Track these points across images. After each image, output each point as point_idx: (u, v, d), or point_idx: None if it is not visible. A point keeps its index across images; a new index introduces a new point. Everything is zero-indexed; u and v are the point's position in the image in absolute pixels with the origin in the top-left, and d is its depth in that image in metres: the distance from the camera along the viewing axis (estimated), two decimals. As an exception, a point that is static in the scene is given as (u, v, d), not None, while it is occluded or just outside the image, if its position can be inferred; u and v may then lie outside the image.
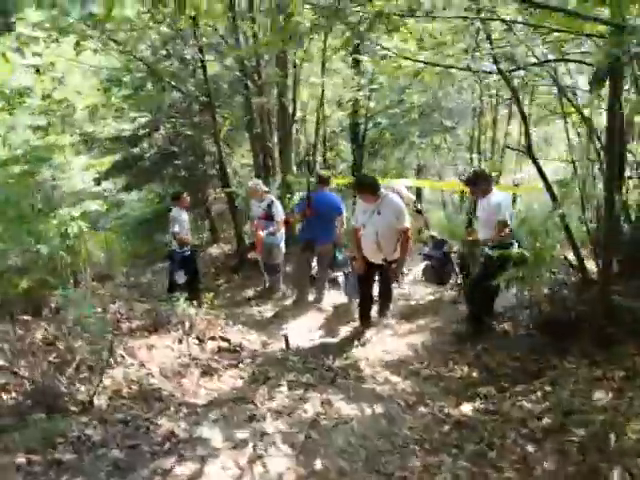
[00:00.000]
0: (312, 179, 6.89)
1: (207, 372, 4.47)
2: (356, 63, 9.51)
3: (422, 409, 3.70)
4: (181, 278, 6.64)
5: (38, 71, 5.62)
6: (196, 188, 9.11)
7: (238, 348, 5.04)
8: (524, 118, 4.54)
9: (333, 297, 6.61)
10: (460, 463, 2.94)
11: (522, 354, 4.37)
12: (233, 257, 8.74)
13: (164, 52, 8.86)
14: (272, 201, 6.89)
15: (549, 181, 4.48)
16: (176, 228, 6.76)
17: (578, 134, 4.74)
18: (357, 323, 5.63)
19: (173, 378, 4.31)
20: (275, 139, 8.70)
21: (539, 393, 3.63)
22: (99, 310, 4.04)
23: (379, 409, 3.65)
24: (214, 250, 9.28)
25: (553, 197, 4.38)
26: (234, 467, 2.79)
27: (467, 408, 3.65)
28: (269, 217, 6.84)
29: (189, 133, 8.67)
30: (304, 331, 5.49)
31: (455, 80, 11.14)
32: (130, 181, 9.71)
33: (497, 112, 12.00)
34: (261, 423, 3.29)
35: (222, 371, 4.47)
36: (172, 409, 3.52)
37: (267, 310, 6.51)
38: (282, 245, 7.01)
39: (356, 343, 5.14)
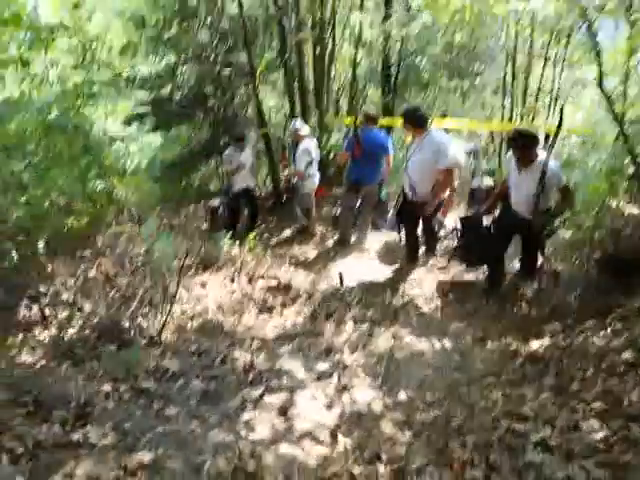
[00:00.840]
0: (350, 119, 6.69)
1: (264, 309, 4.48)
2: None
3: (490, 345, 3.68)
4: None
5: (76, 6, 5.37)
6: (228, 130, 8.88)
7: (288, 287, 5.02)
8: (597, 52, 4.26)
9: (376, 237, 6.51)
10: (543, 395, 2.92)
11: (583, 292, 4.32)
12: (268, 199, 8.64)
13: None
14: (303, 149, 6.67)
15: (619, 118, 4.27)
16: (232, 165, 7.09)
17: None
18: (404, 262, 5.56)
19: (231, 314, 4.32)
20: (310, 78, 8.42)
21: (609, 330, 3.59)
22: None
23: (448, 344, 3.65)
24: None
25: (624, 135, 4.18)
26: (323, 397, 2.79)
27: (536, 344, 3.62)
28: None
29: (224, 72, 8.37)
30: (351, 270, 5.43)
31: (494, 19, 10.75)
32: (159, 123, 9.49)
33: (531, 55, 11.57)
34: (338, 355, 3.29)
35: (279, 308, 4.48)
36: (246, 342, 3.52)
37: (309, 250, 6.45)
38: (310, 192, 6.90)
39: (409, 281, 5.09)
